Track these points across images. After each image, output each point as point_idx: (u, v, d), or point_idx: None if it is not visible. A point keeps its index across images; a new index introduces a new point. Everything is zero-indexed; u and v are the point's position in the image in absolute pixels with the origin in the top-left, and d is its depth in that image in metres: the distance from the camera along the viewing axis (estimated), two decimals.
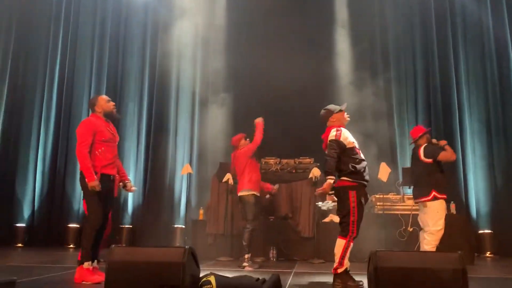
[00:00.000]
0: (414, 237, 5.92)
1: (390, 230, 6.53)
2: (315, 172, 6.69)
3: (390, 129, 8.81)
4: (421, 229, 5.00)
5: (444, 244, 4.89)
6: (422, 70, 9.14)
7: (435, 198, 4.80)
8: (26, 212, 9.01)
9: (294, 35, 8.93)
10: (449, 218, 5.13)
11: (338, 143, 4.02)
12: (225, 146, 8.24)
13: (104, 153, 4.22)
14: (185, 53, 9.42)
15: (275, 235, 6.88)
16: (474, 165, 8.57)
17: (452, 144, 5.23)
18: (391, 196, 7.10)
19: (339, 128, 4.13)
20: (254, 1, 8.73)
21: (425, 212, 4.88)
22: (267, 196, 6.83)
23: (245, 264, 5.55)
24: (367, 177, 4.11)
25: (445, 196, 4.87)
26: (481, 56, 8.94)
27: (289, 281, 4.39)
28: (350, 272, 3.98)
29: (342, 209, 4.06)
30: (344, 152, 4.04)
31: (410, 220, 6.20)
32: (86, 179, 4.03)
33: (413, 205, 5.82)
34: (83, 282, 4.01)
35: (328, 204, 6.84)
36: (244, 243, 5.73)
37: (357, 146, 4.19)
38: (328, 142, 4.09)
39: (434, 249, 4.72)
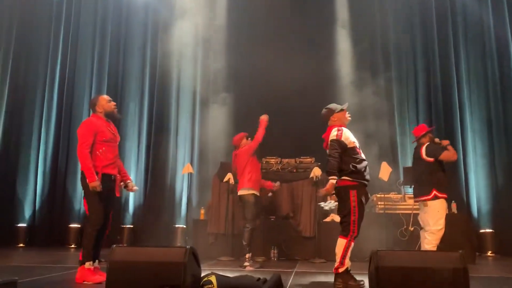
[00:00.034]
0: (415, 237, 5.91)
1: (391, 230, 6.53)
2: (316, 171, 6.69)
3: (391, 128, 8.81)
4: (421, 228, 5.00)
5: (445, 243, 4.88)
6: (423, 69, 9.13)
7: (435, 197, 4.80)
8: (27, 212, 9.02)
9: (294, 35, 8.93)
10: (450, 217, 5.13)
11: (339, 143, 4.02)
12: (226, 146, 8.25)
13: (105, 153, 4.22)
14: (186, 53, 9.41)
15: (276, 235, 6.88)
16: (475, 164, 8.57)
17: (453, 143, 5.23)
18: (392, 195, 7.10)
19: (340, 128, 4.13)
20: (254, 1, 8.73)
21: (425, 211, 4.87)
22: (270, 194, 6.84)
23: (246, 263, 5.55)
24: (367, 177, 4.11)
25: (445, 196, 4.86)
26: (482, 55, 8.93)
27: (290, 281, 4.39)
28: (351, 272, 3.98)
29: (342, 209, 4.07)
30: (345, 152, 4.04)
31: (411, 220, 6.19)
32: (87, 179, 4.04)
33: (414, 205, 5.81)
34: (85, 282, 4.01)
35: (331, 204, 6.84)
36: (244, 243, 5.73)
37: (358, 145, 4.18)
38: (329, 142, 4.09)
39: (435, 249, 4.72)
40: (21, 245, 8.57)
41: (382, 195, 7.00)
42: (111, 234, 6.23)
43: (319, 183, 6.76)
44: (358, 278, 3.97)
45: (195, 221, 7.56)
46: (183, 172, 8.50)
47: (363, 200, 4.04)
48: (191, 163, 8.86)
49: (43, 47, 9.68)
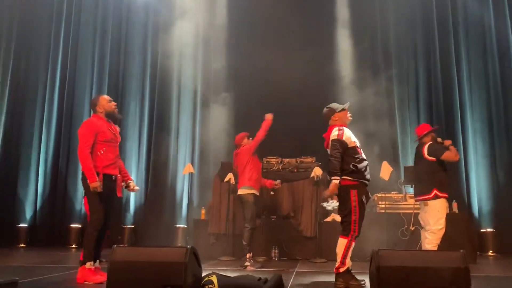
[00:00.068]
0: (416, 236, 5.90)
1: (392, 229, 6.52)
2: (317, 171, 6.69)
3: (391, 128, 8.80)
4: (422, 228, 4.99)
5: (446, 243, 4.88)
6: (424, 69, 9.12)
7: (436, 197, 4.79)
8: (28, 213, 9.03)
9: (294, 35, 8.92)
10: (451, 217, 5.13)
11: (340, 143, 4.01)
12: (227, 146, 8.25)
13: (106, 153, 4.22)
14: (186, 52, 9.41)
15: (277, 235, 6.88)
16: (476, 164, 8.56)
17: (454, 143, 5.21)
18: (393, 195, 7.09)
19: (341, 128, 4.12)
20: (255, 1, 8.73)
21: (426, 211, 4.87)
22: (272, 192, 6.84)
23: (247, 263, 5.55)
24: (368, 176, 4.11)
25: (446, 195, 4.85)
26: (482, 55, 8.92)
27: (291, 281, 4.39)
28: (352, 271, 3.98)
29: (343, 208, 4.06)
30: (345, 152, 4.04)
31: (412, 219, 6.19)
32: (88, 180, 4.04)
33: (415, 204, 5.81)
34: (85, 282, 4.01)
35: (333, 203, 6.83)
36: (244, 243, 5.73)
37: (358, 145, 4.18)
38: (330, 142, 4.09)
39: (435, 248, 4.71)
40: (22, 245, 8.57)
41: (383, 195, 6.99)
42: (112, 234, 6.26)
43: (320, 182, 6.76)
44: (359, 277, 3.96)
45: (196, 221, 7.56)
46: (184, 172, 8.51)
47: (364, 199, 4.04)
48: (192, 163, 8.86)
49: (43, 47, 9.69)
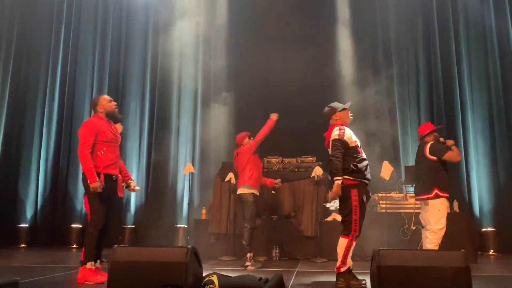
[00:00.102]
0: (417, 236, 5.89)
1: (393, 229, 6.51)
2: (318, 171, 6.68)
3: (392, 127, 8.80)
4: (423, 227, 4.99)
5: (447, 242, 4.87)
6: (425, 68, 9.11)
7: (437, 196, 4.78)
8: (29, 213, 9.03)
9: (295, 35, 8.91)
10: (452, 216, 5.12)
11: (341, 142, 4.01)
12: (227, 145, 8.26)
13: (106, 153, 4.22)
14: (187, 52, 9.41)
15: (277, 234, 6.88)
16: (477, 163, 8.56)
17: (454, 142, 5.20)
18: (393, 194, 7.08)
19: (341, 127, 4.12)
20: (255, 1, 8.73)
21: (426, 210, 4.86)
22: (273, 191, 6.84)
23: (247, 263, 5.55)
24: (368, 176, 4.11)
25: (447, 195, 4.84)
26: (483, 54, 8.91)
27: (292, 280, 4.38)
28: (353, 271, 3.98)
29: (344, 208, 4.06)
30: (346, 151, 4.03)
31: (413, 219, 6.18)
32: (88, 180, 4.04)
33: (415, 204, 5.80)
34: (86, 282, 4.01)
35: (336, 203, 6.83)
36: (244, 243, 5.74)
37: (359, 145, 4.18)
38: (331, 141, 4.08)
39: (436, 248, 4.71)
40: (23, 245, 8.57)
41: (384, 194, 6.98)
42: (113, 234, 6.26)
43: (320, 182, 6.76)
44: (360, 277, 3.96)
45: (196, 221, 7.56)
46: (184, 172, 8.51)
47: (365, 199, 4.03)
48: (192, 163, 8.86)
49: (44, 47, 9.70)
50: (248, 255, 5.65)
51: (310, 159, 7.26)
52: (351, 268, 3.95)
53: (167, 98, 9.54)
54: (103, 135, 4.22)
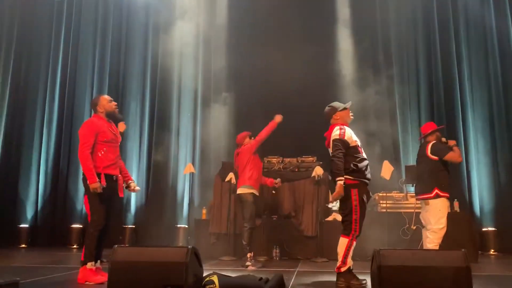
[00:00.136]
0: (417, 235, 5.90)
1: (393, 229, 6.51)
2: (318, 170, 6.68)
3: (393, 127, 8.80)
4: (423, 227, 4.99)
5: (448, 242, 4.87)
6: (425, 68, 9.11)
7: (437, 196, 4.77)
8: (29, 213, 9.03)
9: (295, 35, 8.91)
10: (452, 216, 5.11)
11: (342, 142, 4.00)
12: (228, 145, 8.26)
13: (106, 153, 4.22)
14: (187, 52, 9.42)
15: (278, 234, 6.88)
16: (477, 162, 8.56)
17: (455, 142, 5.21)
18: (394, 194, 7.09)
19: (342, 127, 4.11)
20: (255, 1, 8.73)
21: (427, 210, 4.85)
22: (273, 191, 6.84)
23: (248, 263, 5.54)
24: (368, 176, 4.10)
25: (447, 195, 4.84)
26: (483, 53, 8.92)
27: (292, 280, 4.38)
28: (353, 271, 3.97)
29: (344, 208, 4.05)
30: (347, 151, 4.03)
31: (414, 218, 6.17)
32: (88, 181, 4.04)
33: (416, 203, 5.80)
34: (86, 283, 4.01)
35: (338, 203, 6.82)
36: (244, 243, 5.74)
37: (359, 144, 4.17)
38: (332, 141, 4.08)
39: (437, 247, 4.70)
40: (23, 245, 8.57)
41: (384, 194, 6.98)
42: (113, 234, 6.26)
43: (320, 182, 6.75)
44: (360, 277, 3.96)
45: (197, 221, 7.56)
46: (184, 172, 8.51)
47: (365, 199, 4.03)
48: (193, 163, 8.86)
49: (44, 47, 9.70)
50: (249, 255, 5.65)
51: (311, 159, 7.25)
52: (351, 268, 3.95)
53: (167, 98, 9.54)
54: (103, 135, 4.22)
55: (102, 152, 4.20)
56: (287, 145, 7.87)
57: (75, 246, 8.53)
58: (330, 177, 4.11)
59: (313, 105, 6.42)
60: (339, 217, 5.64)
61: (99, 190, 4.03)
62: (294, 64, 8.00)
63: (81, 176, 4.27)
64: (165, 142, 9.27)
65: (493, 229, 8.04)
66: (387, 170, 6.81)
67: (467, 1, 9.11)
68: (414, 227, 6.20)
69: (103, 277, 3.93)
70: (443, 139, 5.10)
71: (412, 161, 7.84)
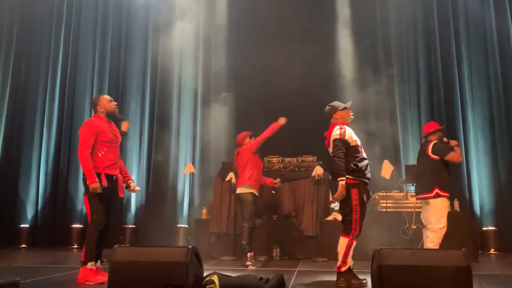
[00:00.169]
0: (417, 235, 5.90)
1: (394, 228, 6.51)
2: (318, 170, 6.68)
3: (393, 127, 8.80)
4: (424, 226, 4.99)
5: (448, 241, 4.87)
6: (425, 68, 9.12)
7: (437, 195, 4.77)
8: (30, 213, 9.03)
9: (295, 34, 8.91)
10: (452, 215, 5.11)
11: (343, 142, 4.00)
12: (228, 145, 8.26)
13: (106, 154, 4.22)
14: (187, 52, 9.42)
15: (278, 234, 6.88)
16: (477, 161, 8.56)
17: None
18: (394, 193, 7.08)
19: (342, 126, 4.11)
20: (255, 1, 8.72)
21: (427, 210, 4.85)
22: (273, 191, 6.84)
23: (248, 263, 5.54)
24: (368, 175, 4.10)
25: (447, 194, 4.84)
26: (483, 53, 8.92)
27: (292, 280, 4.38)
28: (353, 270, 3.97)
29: (344, 207, 4.05)
30: (347, 150, 4.02)
31: (414, 218, 6.18)
32: (87, 181, 4.04)
33: (416, 203, 5.80)
34: (87, 283, 4.01)
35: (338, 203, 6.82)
36: (244, 242, 5.74)
37: (359, 144, 4.17)
38: (332, 141, 4.07)
39: (437, 247, 4.70)
40: (24, 245, 8.57)
41: (384, 194, 6.98)
42: (113, 234, 6.26)
43: (321, 181, 6.75)
44: (360, 276, 3.96)
45: (197, 220, 7.56)
46: (184, 172, 8.51)
47: (365, 198, 4.03)
48: (193, 162, 8.86)
49: (44, 47, 9.70)
50: (249, 254, 5.65)
51: (311, 158, 7.26)
52: (351, 268, 3.95)
53: (167, 98, 9.54)
54: (103, 135, 4.22)
55: (102, 152, 4.19)
56: (287, 145, 7.87)
57: (75, 246, 8.54)
58: (330, 177, 4.11)
59: (313, 105, 6.41)
60: (339, 217, 5.64)
61: (99, 190, 4.03)
62: (294, 64, 8.00)
63: (81, 176, 4.27)
64: (165, 142, 9.27)
65: (493, 228, 8.04)
66: (387, 169, 6.81)
67: (467, 1, 9.11)
68: (414, 227, 6.20)
69: (104, 277, 3.93)
70: (445, 139, 5.10)
71: (412, 160, 7.84)
